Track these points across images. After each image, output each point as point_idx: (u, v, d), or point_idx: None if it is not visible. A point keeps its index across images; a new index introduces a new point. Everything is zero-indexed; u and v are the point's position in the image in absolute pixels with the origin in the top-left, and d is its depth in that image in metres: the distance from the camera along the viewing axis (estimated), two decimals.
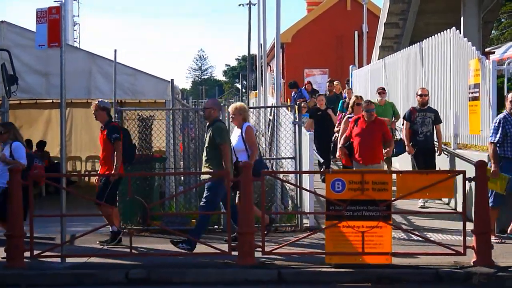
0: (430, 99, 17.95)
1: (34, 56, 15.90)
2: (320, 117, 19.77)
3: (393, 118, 18.81)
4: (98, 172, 24.03)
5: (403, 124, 16.28)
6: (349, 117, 15.63)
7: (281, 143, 15.83)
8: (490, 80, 14.20)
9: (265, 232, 11.82)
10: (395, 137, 17.49)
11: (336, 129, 18.54)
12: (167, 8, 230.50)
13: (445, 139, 16.36)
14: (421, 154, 15.74)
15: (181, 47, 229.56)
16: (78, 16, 57.75)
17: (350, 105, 16.02)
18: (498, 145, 12.45)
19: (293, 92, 26.59)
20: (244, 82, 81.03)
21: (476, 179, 11.07)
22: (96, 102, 13.26)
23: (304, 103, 23.80)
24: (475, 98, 14.81)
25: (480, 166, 11.19)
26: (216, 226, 14.33)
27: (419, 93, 16.07)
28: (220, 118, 13.30)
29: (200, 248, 11.87)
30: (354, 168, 14.25)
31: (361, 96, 16.60)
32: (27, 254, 11.36)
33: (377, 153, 14.24)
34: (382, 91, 19.31)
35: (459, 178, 11.48)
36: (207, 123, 12.69)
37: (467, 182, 11.13)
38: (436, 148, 16.00)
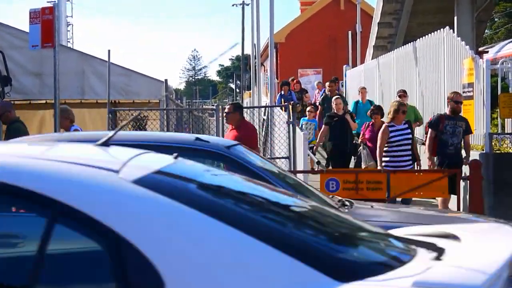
0: (424, 99, 18.01)
1: (28, 57, 15.89)
2: (338, 124, 16.30)
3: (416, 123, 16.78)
4: None
5: (426, 133, 13.85)
6: (388, 126, 13.17)
7: (275, 142, 15.84)
8: (484, 79, 14.22)
9: None
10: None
11: (360, 138, 15.56)
12: (160, 8, 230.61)
13: None
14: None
15: (174, 47, 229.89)
16: (72, 16, 57.74)
17: (391, 112, 13.22)
18: None
19: (282, 91, 24.99)
20: (238, 82, 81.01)
21: (471, 178, 11.09)
22: None
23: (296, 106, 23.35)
24: (469, 97, 14.82)
25: (474, 165, 11.22)
26: None
27: (455, 98, 13.19)
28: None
29: None
30: None
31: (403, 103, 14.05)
32: None
33: None
34: (403, 94, 17.04)
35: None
36: None
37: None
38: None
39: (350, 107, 20.78)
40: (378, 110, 14.80)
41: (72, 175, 3.20)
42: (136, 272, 2.90)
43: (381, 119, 14.51)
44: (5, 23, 16.59)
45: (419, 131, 17.45)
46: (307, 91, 26.83)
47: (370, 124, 14.69)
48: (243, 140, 12.72)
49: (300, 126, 18.78)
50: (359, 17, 36.38)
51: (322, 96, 22.35)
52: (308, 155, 16.50)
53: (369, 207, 7.30)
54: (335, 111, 16.64)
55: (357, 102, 20.35)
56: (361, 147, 15.02)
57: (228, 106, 13.10)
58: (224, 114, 13.11)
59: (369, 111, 15.12)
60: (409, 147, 13.00)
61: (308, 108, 21.06)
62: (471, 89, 14.69)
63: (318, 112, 20.88)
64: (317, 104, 25.09)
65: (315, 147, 17.50)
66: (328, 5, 46.67)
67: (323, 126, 16.67)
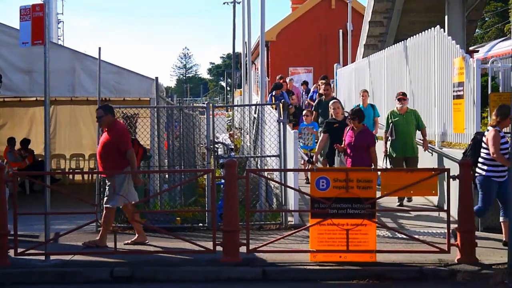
0: (415, 98, 18.04)
1: (18, 54, 15.81)
2: (338, 130, 15.42)
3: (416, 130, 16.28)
4: (82, 169, 24.15)
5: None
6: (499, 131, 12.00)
7: (266, 141, 15.83)
8: (474, 78, 14.25)
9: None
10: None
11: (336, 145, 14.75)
12: (152, 6, 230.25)
13: (429, 137, 16.43)
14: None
15: (165, 45, 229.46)
16: (62, 13, 57.60)
17: (498, 116, 11.99)
18: None
19: (274, 92, 23.83)
20: (229, 80, 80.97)
21: (460, 177, 11.11)
22: None
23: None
24: (459, 97, 14.85)
25: (464, 164, 11.24)
26: (200, 224, 14.32)
27: None
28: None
29: (184, 245, 11.87)
30: None
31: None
32: (11, 252, 11.35)
33: None
34: (402, 97, 16.28)
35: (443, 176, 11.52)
36: None
37: (451, 180, 11.18)
38: None
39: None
40: (356, 115, 14.30)
41: None
42: None
43: (361, 123, 14.30)
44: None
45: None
46: (294, 93, 26.39)
47: (350, 129, 14.44)
48: (116, 142, 12.62)
49: (299, 130, 18.18)
50: (350, 15, 36.37)
51: (316, 100, 20.20)
52: (299, 153, 16.52)
53: None
54: (334, 116, 15.97)
55: (357, 106, 18.48)
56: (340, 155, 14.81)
57: (98, 110, 12.86)
58: (96, 120, 12.98)
59: (348, 115, 14.75)
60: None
61: (304, 112, 19.87)
62: (461, 88, 14.73)
63: (312, 117, 19.37)
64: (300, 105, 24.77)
65: (314, 156, 16.52)
66: (319, 4, 46.65)
67: (322, 134, 16.04)
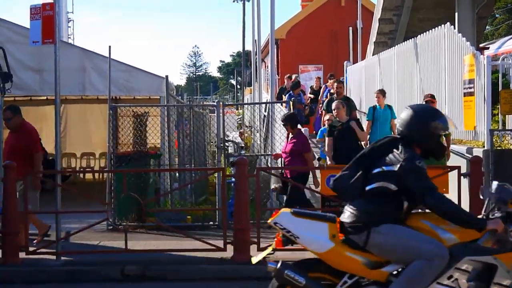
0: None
1: (28, 53, 15.86)
2: (343, 132, 14.28)
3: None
4: (93, 168, 24.20)
5: None
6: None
7: (276, 139, 15.83)
8: (484, 75, 14.20)
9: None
10: None
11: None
12: (161, 4, 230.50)
13: None
14: None
15: (175, 44, 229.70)
16: (72, 12, 57.53)
17: None
18: None
19: (291, 91, 22.89)
20: (239, 78, 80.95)
21: (471, 174, 11.08)
22: None
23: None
24: (470, 94, 14.80)
25: (475, 161, 11.21)
26: (211, 223, 14.33)
27: None
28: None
29: (195, 244, 11.87)
30: None
31: None
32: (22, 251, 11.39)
33: None
34: (431, 99, 14.64)
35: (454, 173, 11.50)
36: None
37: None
38: None
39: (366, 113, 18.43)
40: (288, 120, 13.67)
41: None
42: None
43: (296, 128, 13.79)
44: (7, 19, 16.53)
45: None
46: (305, 92, 26.06)
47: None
48: (26, 144, 12.39)
49: (319, 137, 17.01)
50: (360, 13, 36.29)
51: (326, 100, 19.04)
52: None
53: None
54: (338, 119, 14.63)
55: (374, 108, 17.37)
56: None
57: (6, 112, 12.40)
58: (4, 123, 12.55)
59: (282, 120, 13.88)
60: None
61: (327, 117, 16.96)
62: (472, 85, 14.68)
63: (322, 118, 18.10)
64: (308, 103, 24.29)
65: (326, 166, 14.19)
66: (329, 1, 46.54)
67: (327, 138, 14.78)
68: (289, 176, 13.33)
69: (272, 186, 13.84)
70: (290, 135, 13.82)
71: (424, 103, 14.18)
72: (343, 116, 14.49)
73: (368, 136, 16.54)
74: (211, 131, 20.95)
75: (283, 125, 14.13)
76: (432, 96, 14.97)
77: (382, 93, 17.60)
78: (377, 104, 17.33)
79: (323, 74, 37.52)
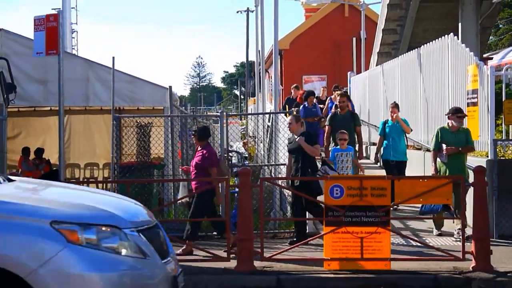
0: (429, 106, 17.99)
1: (32, 64, 15.89)
2: (294, 149, 13.61)
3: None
4: (97, 179, 24.20)
5: None
6: None
7: (280, 149, 15.82)
8: (488, 85, 14.22)
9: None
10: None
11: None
12: (165, 15, 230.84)
13: None
14: None
15: (179, 54, 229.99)
16: (76, 23, 57.64)
17: None
18: None
19: (306, 103, 21.40)
20: (243, 88, 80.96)
21: (475, 184, 11.07)
22: None
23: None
24: (474, 104, 14.81)
25: (479, 172, 11.19)
26: (215, 233, 14.32)
27: None
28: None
29: (198, 254, 11.86)
30: None
31: None
32: None
33: None
34: (461, 115, 13.67)
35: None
36: None
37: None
38: None
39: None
40: (196, 132, 13.16)
41: None
42: None
43: (203, 141, 13.10)
44: (11, 30, 16.57)
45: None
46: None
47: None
48: None
49: (331, 157, 15.07)
50: (363, 23, 36.41)
51: (330, 114, 17.55)
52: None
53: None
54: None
55: (385, 122, 16.52)
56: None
57: None
58: None
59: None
60: None
61: (342, 136, 15.15)
62: (476, 95, 14.69)
63: (326, 134, 16.88)
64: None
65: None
66: (333, 12, 46.68)
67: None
68: (193, 191, 12.98)
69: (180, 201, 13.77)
70: (199, 148, 13.17)
71: (454, 117, 13.52)
72: (296, 130, 13.59)
73: (382, 152, 16.16)
74: (214, 141, 20.95)
75: (192, 135, 13.64)
76: (460, 111, 13.80)
77: (397, 107, 16.59)
78: (389, 119, 16.47)
79: (327, 84, 37.56)
